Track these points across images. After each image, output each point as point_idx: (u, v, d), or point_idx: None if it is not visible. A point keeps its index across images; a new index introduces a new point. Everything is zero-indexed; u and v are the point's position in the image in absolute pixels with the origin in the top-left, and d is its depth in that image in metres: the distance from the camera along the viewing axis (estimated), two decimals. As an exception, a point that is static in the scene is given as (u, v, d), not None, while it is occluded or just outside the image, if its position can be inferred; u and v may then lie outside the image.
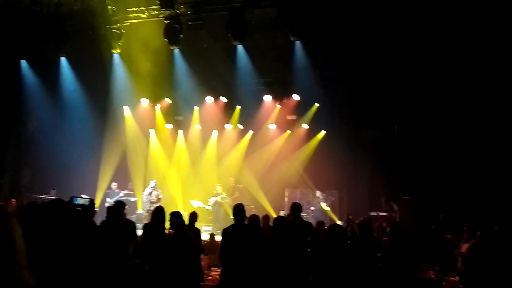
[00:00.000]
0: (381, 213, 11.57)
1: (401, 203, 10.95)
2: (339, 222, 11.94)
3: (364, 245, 5.09)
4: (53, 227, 3.41)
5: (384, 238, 6.07)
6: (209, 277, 5.78)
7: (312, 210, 12.38)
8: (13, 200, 10.77)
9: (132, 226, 5.39)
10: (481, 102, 10.41)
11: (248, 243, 4.89)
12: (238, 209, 5.17)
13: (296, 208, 5.88)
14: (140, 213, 12.49)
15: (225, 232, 5.14)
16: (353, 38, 10.39)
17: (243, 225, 5.16)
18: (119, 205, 5.42)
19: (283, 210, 11.52)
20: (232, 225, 5.17)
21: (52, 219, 3.44)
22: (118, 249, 4.92)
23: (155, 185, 12.29)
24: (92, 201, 4.99)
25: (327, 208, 12.40)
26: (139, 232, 5.78)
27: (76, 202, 4.81)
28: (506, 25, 8.73)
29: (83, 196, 8.09)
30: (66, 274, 3.30)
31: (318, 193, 12.35)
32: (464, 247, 6.77)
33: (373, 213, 11.66)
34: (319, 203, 12.16)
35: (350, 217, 7.91)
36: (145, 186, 12.61)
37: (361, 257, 4.55)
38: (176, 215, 5.18)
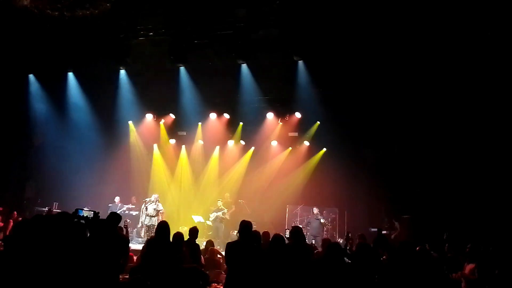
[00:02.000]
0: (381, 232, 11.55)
1: (401, 221, 10.97)
2: (339, 240, 11.95)
3: (363, 263, 5.10)
4: (56, 239, 3.53)
5: (383, 257, 6.09)
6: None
7: (307, 227, 12.28)
8: (14, 212, 10.84)
9: (124, 241, 5.32)
10: (479, 121, 10.52)
11: (253, 262, 4.65)
12: (245, 226, 4.87)
13: (295, 232, 5.48)
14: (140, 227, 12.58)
15: (229, 248, 4.84)
16: (355, 57, 10.58)
17: (249, 243, 4.82)
18: (113, 218, 5.33)
19: (289, 229, 11.43)
20: (237, 241, 4.95)
21: (56, 231, 3.56)
22: (108, 262, 4.85)
23: (155, 199, 12.33)
24: (96, 214, 5.03)
25: (329, 225, 12.38)
26: (139, 247, 5.78)
27: (81, 214, 4.86)
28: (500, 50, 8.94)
29: (85, 209, 8.15)
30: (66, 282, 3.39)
31: (315, 210, 12.35)
32: (468, 268, 6.79)
33: (373, 229, 11.66)
34: (317, 219, 12.15)
35: (350, 234, 7.94)
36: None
37: (359, 275, 4.59)
38: (176, 237, 5.06)
